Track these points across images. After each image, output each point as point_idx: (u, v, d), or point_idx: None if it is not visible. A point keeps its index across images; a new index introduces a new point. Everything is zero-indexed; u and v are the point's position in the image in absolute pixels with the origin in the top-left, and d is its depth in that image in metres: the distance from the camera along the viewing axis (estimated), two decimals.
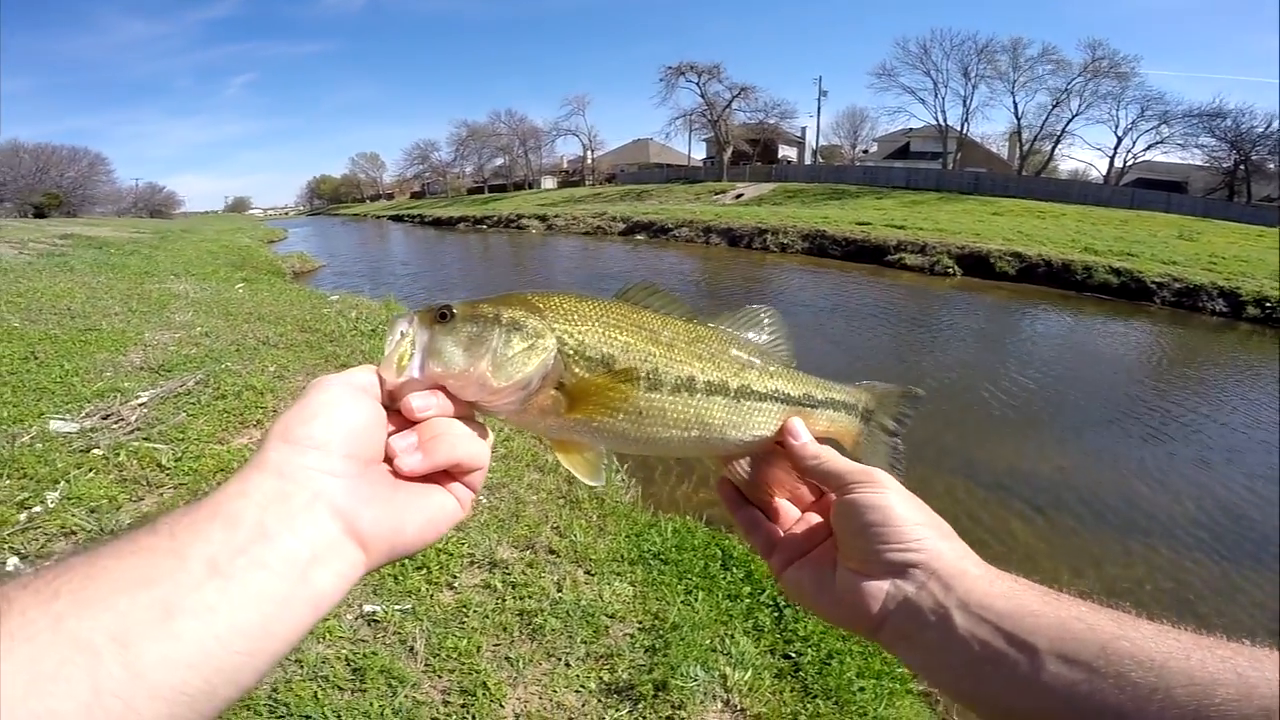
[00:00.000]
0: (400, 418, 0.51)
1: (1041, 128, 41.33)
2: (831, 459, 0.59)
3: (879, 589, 0.51)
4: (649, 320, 0.60)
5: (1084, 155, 55.42)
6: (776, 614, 2.72)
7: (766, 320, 0.68)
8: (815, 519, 0.62)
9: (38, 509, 2.78)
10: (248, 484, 0.41)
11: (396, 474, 0.48)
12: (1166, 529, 4.57)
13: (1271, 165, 35.96)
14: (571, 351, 0.56)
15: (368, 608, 2.46)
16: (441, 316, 0.54)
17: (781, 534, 0.62)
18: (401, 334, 0.53)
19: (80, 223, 26.65)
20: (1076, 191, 33.91)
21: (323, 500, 0.42)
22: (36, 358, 4.71)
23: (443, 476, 0.51)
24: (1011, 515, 4.58)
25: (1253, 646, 0.39)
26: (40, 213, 38.85)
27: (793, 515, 0.64)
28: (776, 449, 0.64)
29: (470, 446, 0.51)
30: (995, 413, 6.76)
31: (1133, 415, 6.95)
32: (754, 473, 0.65)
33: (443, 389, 0.52)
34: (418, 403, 0.50)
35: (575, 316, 0.57)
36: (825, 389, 0.68)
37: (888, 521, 0.52)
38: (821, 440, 0.64)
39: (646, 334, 0.59)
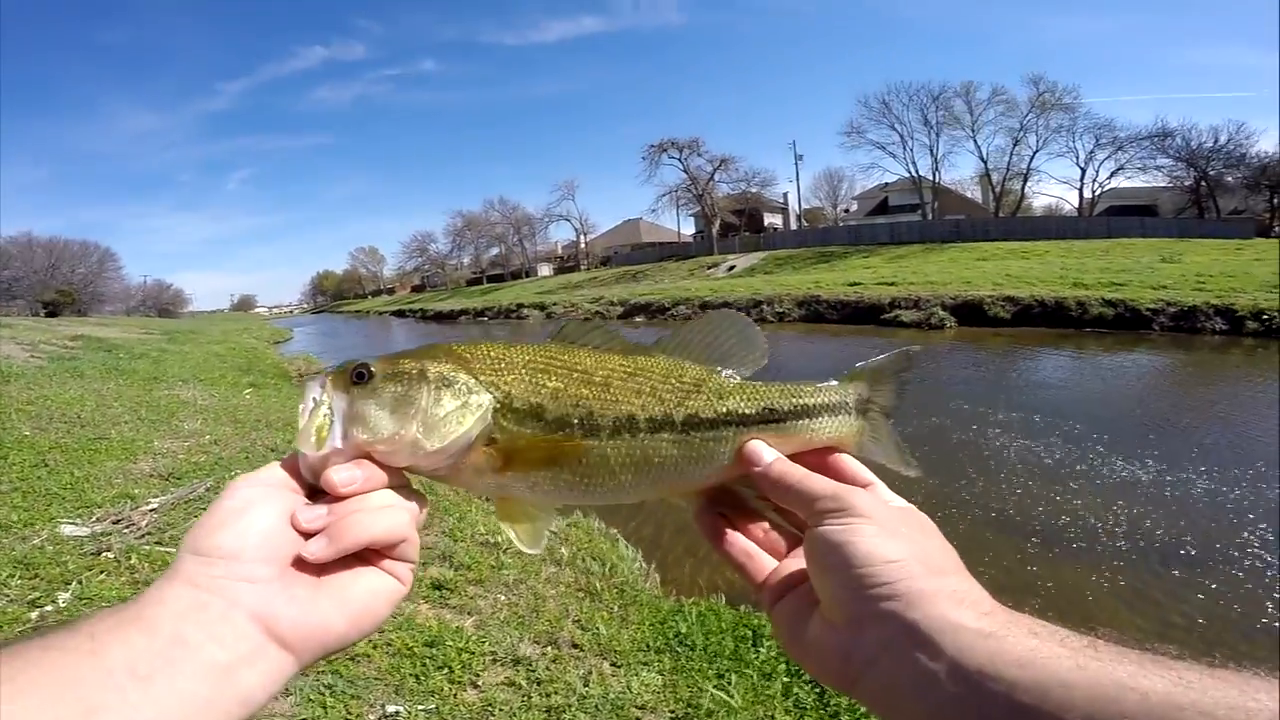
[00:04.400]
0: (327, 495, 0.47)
1: (1008, 168, 42.71)
2: (800, 480, 0.51)
3: (842, 642, 0.43)
4: (583, 360, 0.54)
5: (1054, 190, 57.12)
6: (818, 689, 2.57)
7: (725, 327, 0.59)
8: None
9: (49, 608, 2.74)
10: (164, 594, 0.41)
11: (303, 563, 0.45)
12: (1227, 556, 4.41)
13: (1230, 179, 36.77)
14: (498, 405, 0.51)
15: (390, 708, 2.34)
16: (359, 377, 0.50)
17: (772, 566, 0.54)
18: (315, 401, 0.48)
19: (91, 323, 27.08)
20: (1054, 227, 34.64)
21: (239, 608, 0.42)
22: (47, 465, 4.70)
23: (372, 555, 0.47)
24: (1057, 563, 4.44)
25: None
26: (52, 311, 38.81)
27: (783, 547, 0.56)
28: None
29: (385, 521, 0.47)
30: (1018, 461, 6.61)
31: (1156, 446, 6.79)
32: (735, 502, 0.57)
33: (368, 457, 0.48)
34: (342, 476, 0.47)
35: (502, 365, 0.53)
36: (793, 396, 0.57)
37: (850, 563, 0.43)
38: (819, 452, 0.57)
39: (579, 376, 0.53)
